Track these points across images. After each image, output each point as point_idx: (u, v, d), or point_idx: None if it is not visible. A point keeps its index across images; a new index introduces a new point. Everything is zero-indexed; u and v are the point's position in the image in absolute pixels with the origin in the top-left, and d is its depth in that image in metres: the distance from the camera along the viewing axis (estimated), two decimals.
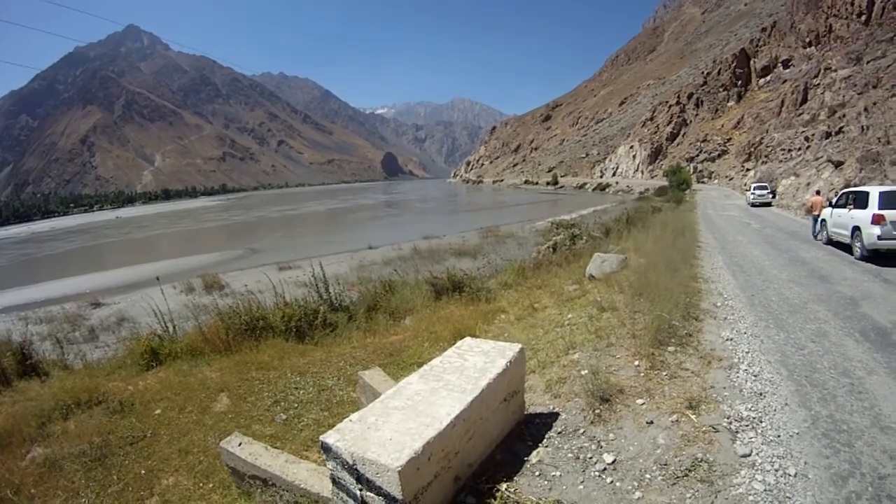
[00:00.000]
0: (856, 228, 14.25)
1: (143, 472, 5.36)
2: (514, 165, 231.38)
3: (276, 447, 4.80)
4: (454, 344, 5.39)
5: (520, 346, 5.03)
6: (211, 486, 5.01)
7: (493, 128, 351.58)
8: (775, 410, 4.91)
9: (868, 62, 58.11)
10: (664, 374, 5.65)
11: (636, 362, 5.95)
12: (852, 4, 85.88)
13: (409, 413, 3.86)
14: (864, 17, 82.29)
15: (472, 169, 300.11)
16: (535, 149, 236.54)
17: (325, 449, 3.61)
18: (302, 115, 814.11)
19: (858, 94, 51.50)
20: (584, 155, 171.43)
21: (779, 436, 4.44)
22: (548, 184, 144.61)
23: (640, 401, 5.06)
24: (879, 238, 13.15)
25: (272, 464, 4.32)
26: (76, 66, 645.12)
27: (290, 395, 6.73)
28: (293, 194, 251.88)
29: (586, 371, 5.59)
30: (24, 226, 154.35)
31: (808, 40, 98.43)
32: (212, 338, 8.68)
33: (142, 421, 6.33)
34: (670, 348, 6.37)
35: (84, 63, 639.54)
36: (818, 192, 23.41)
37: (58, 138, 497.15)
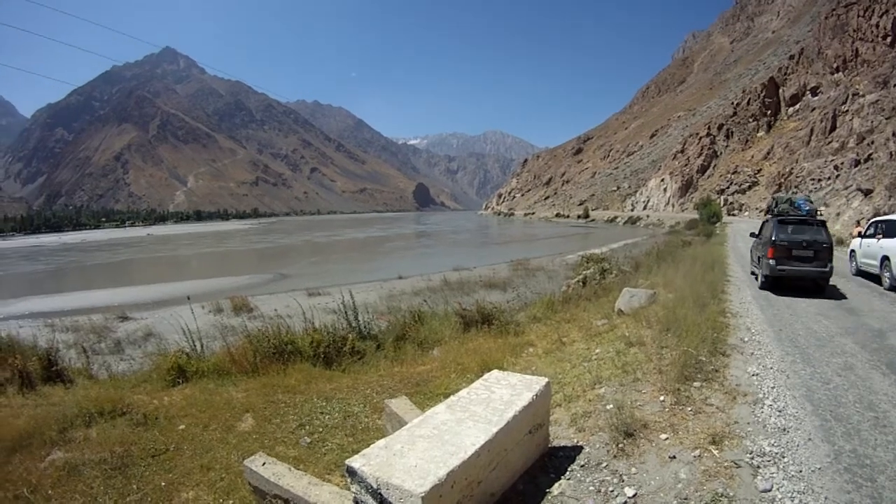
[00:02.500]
0: (885, 258, 14.09)
1: (163, 484, 5.38)
2: (546, 198, 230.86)
3: (299, 469, 4.80)
4: (481, 376, 5.44)
5: (546, 380, 5.07)
6: (231, 502, 5.03)
7: (525, 160, 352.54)
8: (798, 446, 4.87)
9: (895, 85, 57.38)
10: (689, 409, 5.62)
11: (661, 397, 5.92)
12: (877, 27, 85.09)
13: (435, 442, 3.91)
14: (889, 39, 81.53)
15: (503, 201, 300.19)
16: (567, 182, 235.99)
17: (351, 473, 3.67)
18: (335, 144, 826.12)
19: (886, 118, 50.88)
20: (615, 188, 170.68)
21: (800, 471, 4.41)
22: (579, 217, 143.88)
23: (663, 436, 5.05)
24: None
25: (295, 485, 4.34)
26: (113, 84, 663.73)
27: (315, 420, 6.74)
28: (324, 222, 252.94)
29: (611, 406, 5.61)
30: (54, 236, 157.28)
31: (835, 66, 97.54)
32: (239, 359, 8.74)
33: (165, 435, 6.35)
34: (696, 384, 6.33)
35: (121, 82, 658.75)
36: (859, 223, 23.05)
37: (92, 153, 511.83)
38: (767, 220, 15.15)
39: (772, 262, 13.94)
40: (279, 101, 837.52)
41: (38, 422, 6.59)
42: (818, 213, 16.36)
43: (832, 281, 14.57)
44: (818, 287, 14.03)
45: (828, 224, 16.53)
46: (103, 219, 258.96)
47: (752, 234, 17.39)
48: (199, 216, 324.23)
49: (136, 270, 55.02)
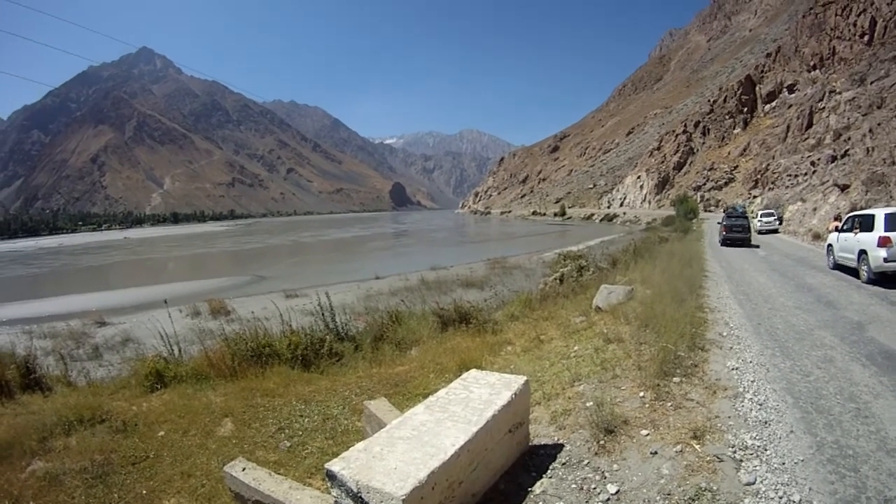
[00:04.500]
0: (862, 252, 14.35)
1: (144, 492, 5.33)
2: (522, 196, 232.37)
3: (280, 473, 4.77)
4: (459, 375, 5.44)
5: (525, 378, 5.07)
6: None
7: (502, 159, 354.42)
8: (780, 438, 4.91)
9: (872, 83, 58.45)
10: (669, 404, 5.65)
11: (641, 393, 5.95)
12: (854, 25, 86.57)
13: (415, 443, 3.90)
14: (866, 38, 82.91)
15: (479, 200, 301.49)
16: (543, 180, 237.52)
17: (331, 476, 3.64)
18: (312, 144, 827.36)
19: (863, 115, 51.73)
20: (591, 185, 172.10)
21: (783, 463, 4.44)
22: (555, 215, 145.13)
23: (644, 432, 5.07)
24: (886, 260, 13.30)
25: (276, 489, 4.29)
26: (89, 85, 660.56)
27: (294, 423, 6.73)
28: (301, 222, 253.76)
29: (591, 403, 5.61)
30: (31, 240, 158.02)
31: (812, 63, 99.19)
32: (217, 363, 8.67)
33: (145, 442, 6.30)
34: (675, 379, 6.35)
35: (97, 83, 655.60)
36: (836, 218, 23.41)
37: (69, 156, 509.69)
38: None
39: (723, 233, 29.60)
40: (256, 101, 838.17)
41: (17, 431, 6.51)
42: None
43: (809, 274, 16.00)
44: (744, 243, 28.59)
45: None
46: (80, 222, 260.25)
47: (718, 223, 34.38)
48: (175, 218, 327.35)
49: (113, 274, 55.00)
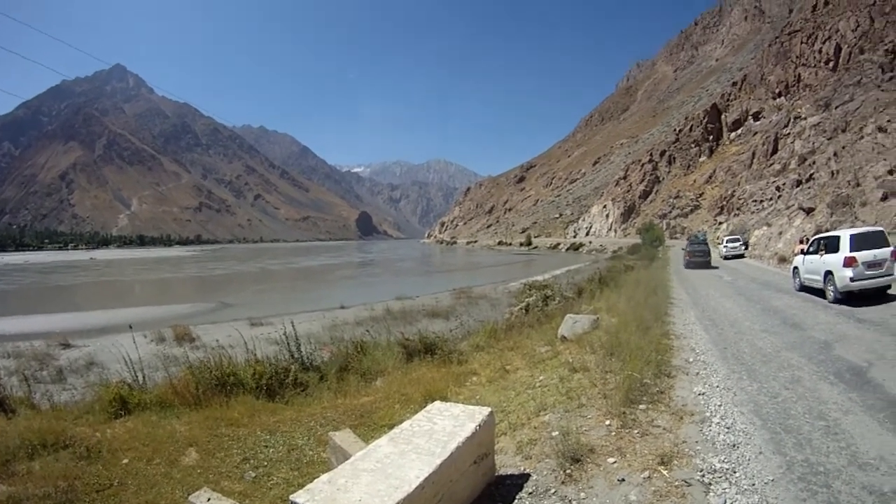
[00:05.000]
0: (828, 273, 14.83)
1: None
2: (488, 226, 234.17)
3: None
4: (425, 406, 5.47)
5: (489, 409, 5.09)
6: None
7: (468, 189, 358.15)
8: (749, 460, 4.93)
9: (836, 107, 60.32)
10: (636, 431, 5.69)
11: (607, 422, 5.98)
12: (820, 52, 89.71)
13: (379, 475, 3.89)
14: (831, 64, 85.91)
15: (446, 230, 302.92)
16: (509, 210, 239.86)
17: None
18: (279, 171, 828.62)
19: (828, 139, 53.26)
20: (557, 215, 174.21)
21: (753, 484, 4.46)
22: (521, 244, 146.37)
23: (611, 459, 5.08)
24: (852, 280, 13.73)
25: None
26: (62, 99, 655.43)
27: (259, 454, 6.69)
28: (268, 249, 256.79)
29: (557, 432, 5.62)
30: None
31: (777, 91, 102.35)
32: (181, 391, 8.65)
33: (109, 469, 6.21)
34: (641, 406, 6.41)
35: (69, 97, 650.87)
36: (802, 241, 23.95)
37: (38, 171, 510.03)
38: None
39: (687, 258, 34.33)
40: (225, 126, 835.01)
41: None
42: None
43: (775, 297, 16.25)
44: (705, 265, 32.75)
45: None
46: (46, 240, 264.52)
47: (682, 249, 38.52)
48: (142, 241, 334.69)
49: (79, 295, 54.41)
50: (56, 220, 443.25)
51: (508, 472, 5.15)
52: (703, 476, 4.66)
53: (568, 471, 4.92)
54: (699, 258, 33.24)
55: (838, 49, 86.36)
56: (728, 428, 5.77)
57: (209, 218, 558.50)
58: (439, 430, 4.66)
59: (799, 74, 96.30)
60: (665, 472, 4.74)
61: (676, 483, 4.54)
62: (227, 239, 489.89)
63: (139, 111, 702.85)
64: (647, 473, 4.73)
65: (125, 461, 6.45)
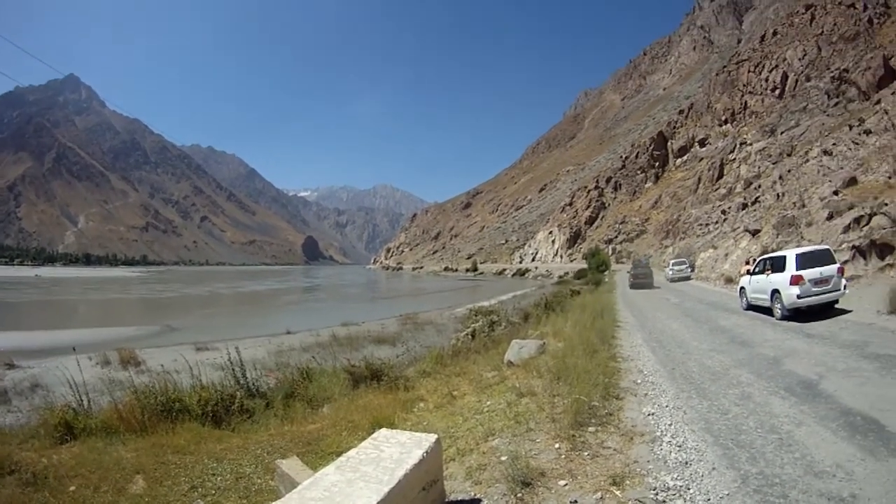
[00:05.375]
0: (775, 291, 15.37)
1: None
2: (434, 252, 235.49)
3: None
4: (372, 433, 5.44)
5: (435, 436, 5.07)
6: None
7: (414, 215, 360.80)
8: (703, 476, 4.95)
9: (782, 132, 62.76)
10: (586, 454, 5.69)
11: (556, 445, 5.99)
12: (767, 80, 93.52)
13: None
14: (777, 91, 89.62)
15: (392, 256, 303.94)
16: (456, 236, 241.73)
17: None
18: (227, 193, 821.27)
19: (773, 163, 55.19)
20: (503, 241, 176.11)
21: (709, 499, 4.48)
22: (467, 270, 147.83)
23: (562, 482, 5.06)
24: (799, 297, 14.22)
25: None
26: (14, 107, 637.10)
27: (207, 482, 6.56)
28: (214, 273, 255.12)
29: (506, 457, 5.61)
30: None
31: (724, 118, 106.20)
32: (127, 416, 8.54)
33: (56, 497, 6.02)
34: (591, 429, 6.44)
35: (21, 106, 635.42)
36: (748, 262, 24.53)
37: None
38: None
39: (631, 280, 39.42)
40: (174, 144, 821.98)
41: None
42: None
43: (722, 316, 16.82)
44: (648, 286, 37.13)
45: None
46: None
47: (627, 272, 42.94)
48: (88, 260, 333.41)
49: (24, 314, 53.29)
50: (2, 233, 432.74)
51: (459, 498, 5.12)
52: (657, 494, 4.65)
53: (519, 495, 4.89)
54: (642, 280, 38.18)
55: (785, 77, 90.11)
56: (679, 446, 5.78)
57: (155, 238, 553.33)
58: (386, 457, 4.63)
59: (745, 102, 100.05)
60: (618, 493, 4.73)
61: (630, 503, 4.52)
62: (173, 261, 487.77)
63: (90, 125, 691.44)
64: (599, 494, 4.72)
65: (72, 488, 6.29)
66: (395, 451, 4.73)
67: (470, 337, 19.27)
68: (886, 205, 20.95)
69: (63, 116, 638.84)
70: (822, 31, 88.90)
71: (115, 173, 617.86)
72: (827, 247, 16.50)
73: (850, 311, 14.52)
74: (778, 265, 15.61)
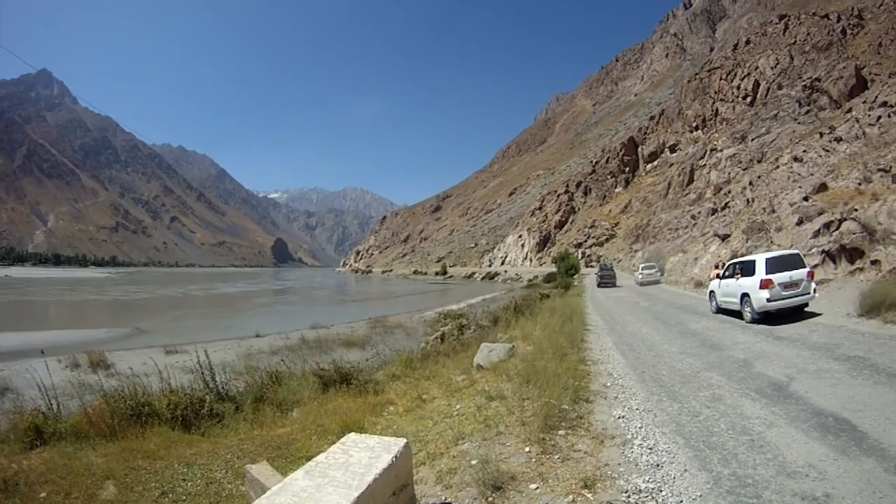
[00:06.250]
0: (745, 295, 15.58)
1: None
2: (404, 255, 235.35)
3: None
4: (342, 437, 5.37)
5: (404, 440, 5.01)
6: None
7: (384, 218, 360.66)
8: (674, 478, 4.97)
9: (753, 139, 63.95)
10: (556, 457, 5.70)
11: (527, 448, 5.99)
12: (738, 88, 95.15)
13: None
14: (749, 99, 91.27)
15: (361, 258, 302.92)
16: (425, 239, 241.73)
17: None
18: (197, 193, 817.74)
19: (743, 169, 56.22)
20: (473, 245, 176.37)
21: (681, 501, 4.50)
22: (437, 273, 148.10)
23: (533, 485, 5.06)
24: (769, 300, 14.41)
25: None
26: None
27: (177, 487, 6.54)
28: (184, 274, 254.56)
29: (476, 461, 5.61)
30: None
31: (695, 125, 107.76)
32: (96, 420, 8.50)
33: (26, 503, 6.03)
34: (561, 432, 6.45)
35: None
36: (717, 266, 24.82)
37: None
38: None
39: (597, 280, 47.48)
40: (145, 143, 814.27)
41: None
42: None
43: (692, 320, 17.04)
44: (612, 285, 44.69)
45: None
46: None
47: (595, 274, 53.32)
48: (58, 260, 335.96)
49: None
50: None
51: (430, 503, 5.12)
52: (629, 497, 4.66)
53: (490, 498, 4.92)
54: (608, 280, 45.96)
55: (757, 85, 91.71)
56: (650, 448, 5.80)
57: (125, 239, 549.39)
58: (355, 462, 4.57)
59: (717, 109, 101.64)
60: (589, 496, 4.73)
61: None
62: (143, 262, 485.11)
63: (61, 121, 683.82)
64: (570, 498, 4.73)
65: (43, 495, 6.33)
66: (364, 456, 4.68)
67: (439, 340, 19.33)
68: (856, 210, 21.31)
69: (35, 112, 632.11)
70: (795, 41, 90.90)
71: (86, 171, 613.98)
72: (797, 251, 16.70)
73: (820, 315, 14.71)
74: (748, 269, 15.82)
